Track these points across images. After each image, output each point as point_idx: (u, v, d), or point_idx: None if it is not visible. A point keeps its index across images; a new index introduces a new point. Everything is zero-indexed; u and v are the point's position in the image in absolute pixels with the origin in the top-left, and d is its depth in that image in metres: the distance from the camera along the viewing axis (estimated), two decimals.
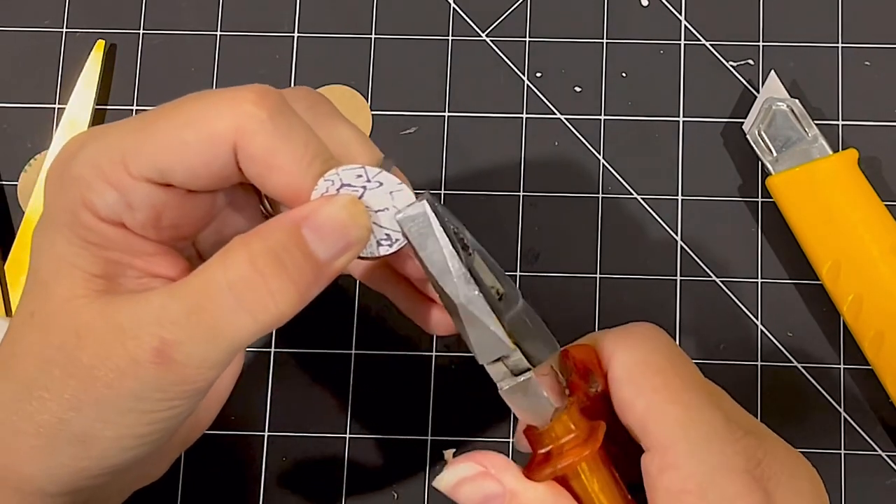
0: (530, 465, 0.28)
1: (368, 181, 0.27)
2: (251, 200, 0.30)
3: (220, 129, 0.25)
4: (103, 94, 0.45)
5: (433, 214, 0.26)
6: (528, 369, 0.27)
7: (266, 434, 0.42)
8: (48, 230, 0.27)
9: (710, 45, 0.45)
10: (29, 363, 0.26)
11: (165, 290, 0.26)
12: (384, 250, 0.27)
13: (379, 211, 0.27)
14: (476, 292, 0.26)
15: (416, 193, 0.27)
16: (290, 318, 0.26)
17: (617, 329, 0.29)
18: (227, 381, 0.33)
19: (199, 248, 0.30)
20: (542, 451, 0.28)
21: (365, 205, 0.27)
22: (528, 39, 0.45)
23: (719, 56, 0.44)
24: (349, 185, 0.27)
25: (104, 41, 0.45)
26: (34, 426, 0.26)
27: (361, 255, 0.27)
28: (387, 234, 0.27)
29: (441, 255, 0.26)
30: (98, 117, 0.45)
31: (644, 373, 0.27)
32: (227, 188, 0.28)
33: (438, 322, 0.31)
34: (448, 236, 0.26)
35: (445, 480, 0.27)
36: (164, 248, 0.28)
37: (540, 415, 0.27)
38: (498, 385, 0.27)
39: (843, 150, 0.42)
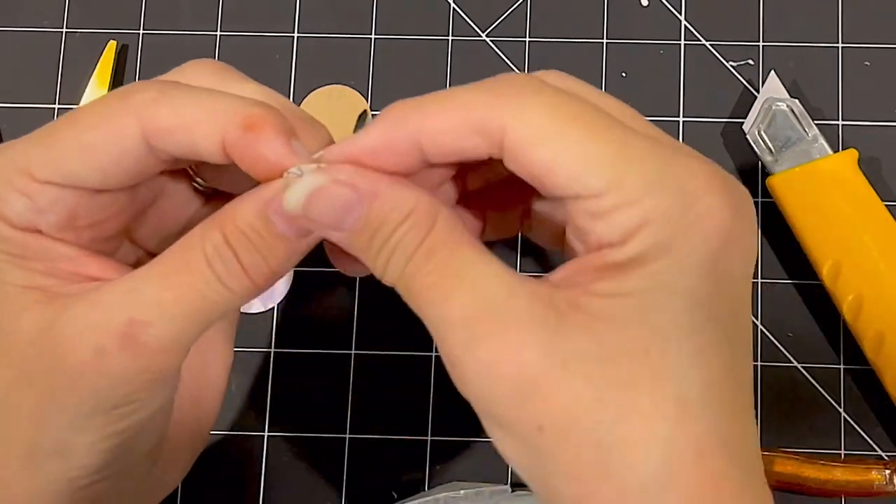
0: None
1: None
2: (181, 185, 0.30)
3: (122, 123, 0.25)
4: None
5: None
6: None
7: (266, 434, 0.42)
8: None
9: (710, 45, 0.45)
10: None
11: (133, 275, 0.26)
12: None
13: None
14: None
15: None
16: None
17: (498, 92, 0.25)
18: (222, 375, 0.32)
19: (147, 246, 0.30)
20: None
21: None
22: (528, 39, 0.45)
23: (719, 56, 0.44)
24: None
25: (116, 42, 0.45)
26: (10, 449, 0.26)
27: None
28: None
29: None
30: None
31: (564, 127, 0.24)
32: (148, 180, 0.28)
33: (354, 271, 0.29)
34: None
35: (294, 198, 0.25)
36: (90, 252, 0.27)
37: None
38: None
39: (843, 150, 0.42)
